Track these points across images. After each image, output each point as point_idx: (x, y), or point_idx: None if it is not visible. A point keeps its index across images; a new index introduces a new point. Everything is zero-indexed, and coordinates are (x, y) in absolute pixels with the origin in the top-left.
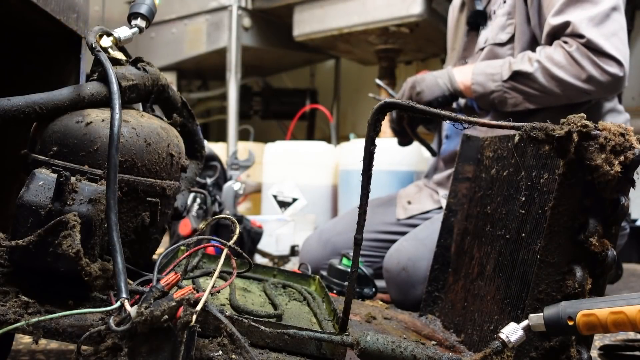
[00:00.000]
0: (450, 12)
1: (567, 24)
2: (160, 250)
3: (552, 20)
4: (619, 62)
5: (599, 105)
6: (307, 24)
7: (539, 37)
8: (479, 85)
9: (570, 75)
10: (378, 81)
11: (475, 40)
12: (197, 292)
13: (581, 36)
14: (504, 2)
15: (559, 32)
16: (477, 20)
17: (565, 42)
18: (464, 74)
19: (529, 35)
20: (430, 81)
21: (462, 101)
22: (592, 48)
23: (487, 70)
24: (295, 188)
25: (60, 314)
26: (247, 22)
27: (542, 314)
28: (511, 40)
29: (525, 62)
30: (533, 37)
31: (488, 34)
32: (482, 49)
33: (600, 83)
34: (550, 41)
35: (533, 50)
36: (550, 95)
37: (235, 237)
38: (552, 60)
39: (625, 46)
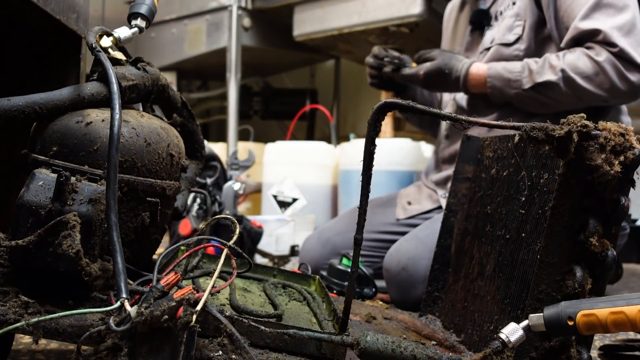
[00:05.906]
0: (447, 12)
1: (597, 32)
2: (160, 250)
3: (581, 25)
4: None
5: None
6: (307, 24)
7: (555, 39)
8: (497, 90)
9: (594, 85)
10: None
11: (478, 40)
12: (197, 292)
13: (614, 45)
14: (513, 3)
15: (585, 38)
16: (481, 19)
17: (592, 49)
18: (478, 74)
19: (538, 37)
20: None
21: (462, 101)
22: (623, 58)
23: (504, 75)
24: (295, 188)
25: (60, 314)
26: (247, 22)
27: (542, 314)
28: (517, 41)
29: (548, 70)
30: (543, 39)
31: (495, 34)
32: (487, 49)
33: (621, 93)
34: (572, 45)
35: (541, 51)
36: (567, 103)
37: (235, 237)
38: (576, 70)
39: None
